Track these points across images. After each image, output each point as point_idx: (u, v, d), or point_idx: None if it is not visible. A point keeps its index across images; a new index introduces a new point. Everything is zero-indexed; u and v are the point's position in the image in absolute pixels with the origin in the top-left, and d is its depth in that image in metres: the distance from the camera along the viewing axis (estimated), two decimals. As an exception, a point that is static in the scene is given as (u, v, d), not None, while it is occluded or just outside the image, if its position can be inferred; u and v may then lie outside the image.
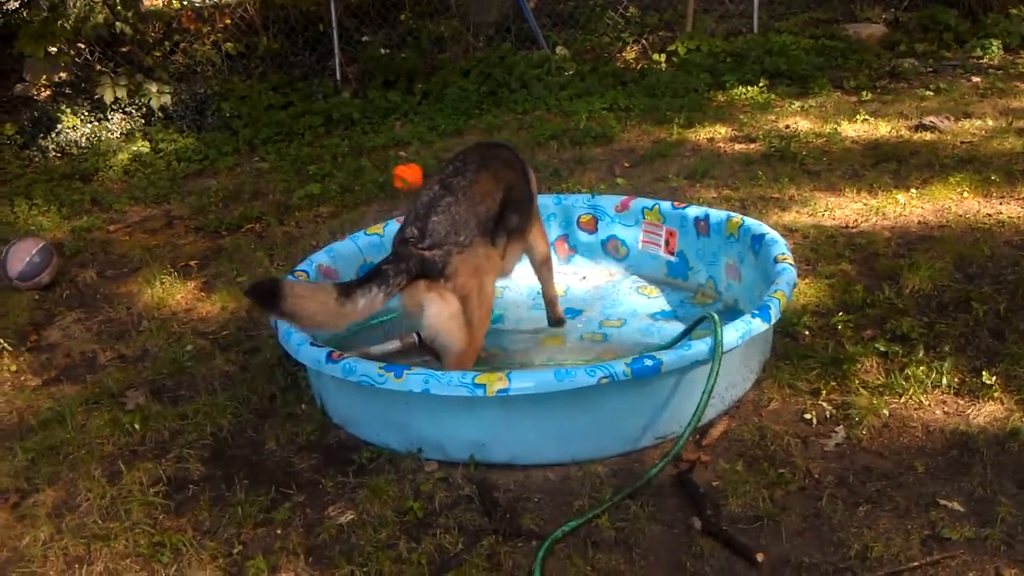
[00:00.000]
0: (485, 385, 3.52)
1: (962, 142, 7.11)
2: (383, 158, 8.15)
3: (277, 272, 5.85)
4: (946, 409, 3.88)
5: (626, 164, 7.43)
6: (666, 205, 5.28)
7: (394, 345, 4.64)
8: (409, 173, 7.22)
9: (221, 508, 3.69)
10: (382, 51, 10.99)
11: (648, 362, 3.58)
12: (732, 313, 4.53)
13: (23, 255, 6.12)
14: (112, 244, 6.94)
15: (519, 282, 5.06)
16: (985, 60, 9.67)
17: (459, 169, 4.14)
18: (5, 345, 5.32)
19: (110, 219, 7.50)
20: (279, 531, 3.53)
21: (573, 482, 3.65)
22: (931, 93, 8.58)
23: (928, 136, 7.33)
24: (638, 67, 10.42)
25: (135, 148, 9.04)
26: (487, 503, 3.54)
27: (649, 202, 5.34)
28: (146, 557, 3.44)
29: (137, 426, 4.28)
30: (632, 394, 3.70)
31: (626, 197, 5.44)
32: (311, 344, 3.95)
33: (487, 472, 3.73)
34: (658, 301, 5.07)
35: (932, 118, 7.59)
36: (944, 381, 4.00)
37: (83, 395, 4.68)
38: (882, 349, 4.27)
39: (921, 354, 4.21)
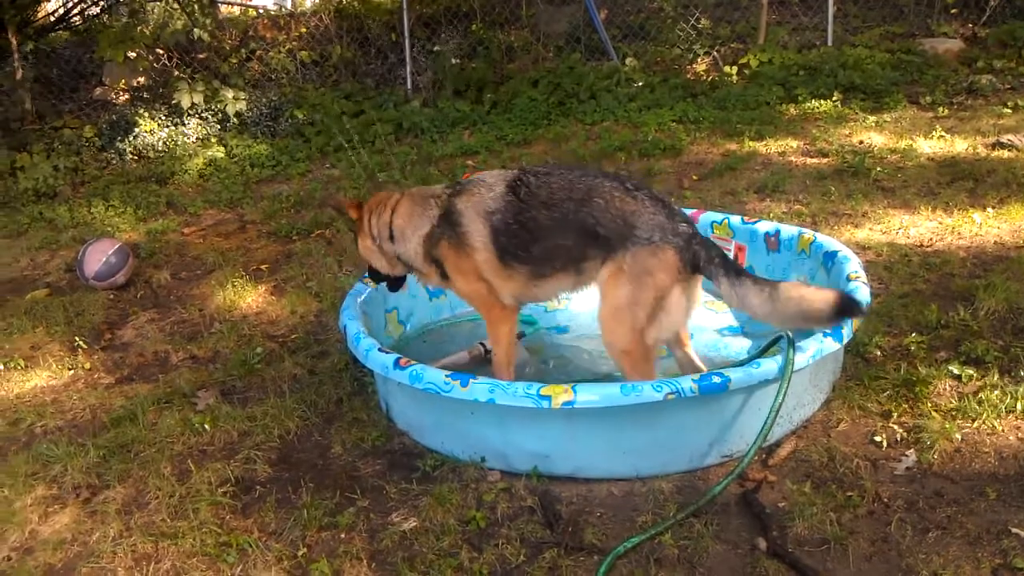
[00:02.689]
0: (551, 397, 3.52)
1: (1042, 161, 6.94)
2: (451, 167, 8.21)
3: (345, 278, 5.91)
4: (1020, 435, 3.78)
5: (695, 177, 7.39)
6: (736, 219, 5.23)
7: (462, 356, 4.68)
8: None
9: (287, 510, 3.74)
10: (453, 61, 11.07)
11: (716, 379, 3.55)
12: (803, 332, 4.47)
13: (100, 255, 6.28)
14: (186, 246, 7.08)
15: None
16: (1066, 77, 9.45)
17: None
18: (80, 343, 5.46)
19: (184, 222, 7.66)
20: (343, 535, 3.56)
21: (637, 497, 3.63)
22: (1009, 110, 8.40)
23: (1006, 154, 7.17)
24: (708, 79, 10.36)
25: (210, 153, 9.23)
26: (549, 515, 3.53)
27: (718, 216, 5.30)
28: (212, 556, 3.49)
29: (207, 426, 4.36)
30: (698, 411, 3.67)
31: (695, 211, 5.39)
32: (379, 350, 3.99)
33: (550, 484, 3.73)
34: (725, 317, 5.02)
35: (1010, 136, 7.43)
36: (1019, 406, 3.90)
37: (155, 394, 4.77)
38: (955, 372, 4.18)
39: (996, 378, 4.11)
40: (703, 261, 3.82)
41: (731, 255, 5.17)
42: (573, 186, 4.00)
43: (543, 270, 4.07)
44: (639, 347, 3.86)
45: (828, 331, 3.83)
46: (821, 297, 3.69)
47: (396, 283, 4.58)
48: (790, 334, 3.75)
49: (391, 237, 4.31)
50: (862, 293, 4.13)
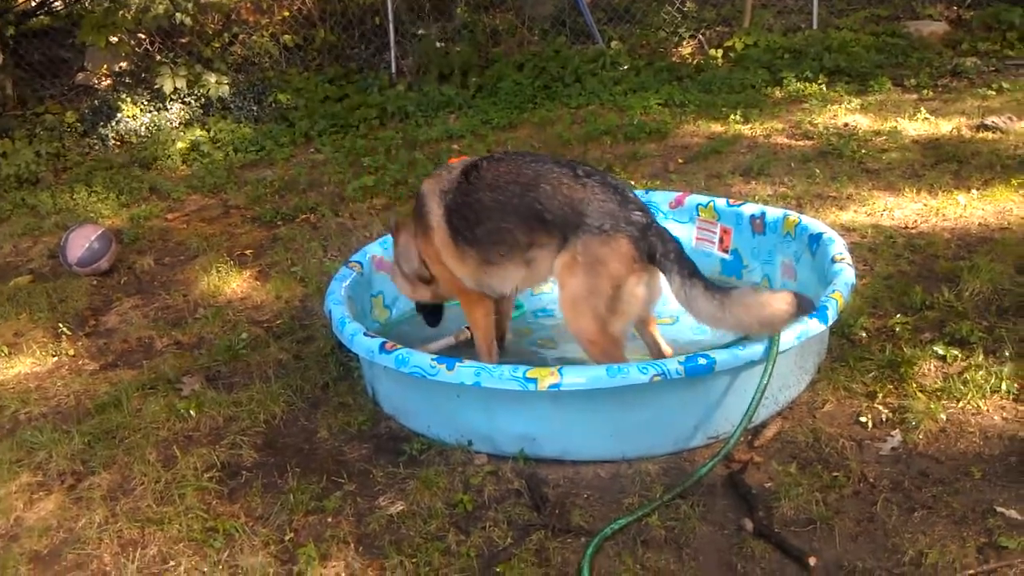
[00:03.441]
0: (537, 379, 3.52)
1: (1025, 143, 6.96)
2: (436, 151, 8.18)
3: (330, 263, 5.89)
4: (1005, 415, 3.80)
5: (680, 160, 7.38)
6: (721, 202, 5.23)
7: (448, 341, 4.68)
8: (462, 166, 7.23)
9: (273, 495, 3.73)
10: (437, 44, 11.01)
11: (702, 361, 3.56)
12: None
13: (83, 241, 6.24)
14: (170, 232, 7.04)
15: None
16: (1050, 60, 9.47)
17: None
18: (64, 330, 5.43)
19: (168, 207, 7.61)
20: (330, 519, 3.56)
21: (623, 479, 3.64)
22: (993, 92, 8.41)
23: (990, 136, 7.19)
24: (694, 62, 10.34)
25: (193, 138, 9.17)
26: (536, 498, 3.54)
27: (704, 199, 5.29)
28: (199, 542, 3.49)
29: (192, 412, 4.34)
30: (684, 392, 3.68)
31: (680, 193, 5.39)
32: (364, 334, 3.98)
33: (537, 467, 3.74)
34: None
35: (994, 118, 7.44)
36: (1003, 386, 3.92)
37: (139, 380, 4.76)
38: (940, 352, 4.20)
39: (980, 358, 4.13)
40: (658, 254, 3.78)
41: (717, 237, 5.18)
42: (521, 171, 3.99)
43: (491, 256, 4.05)
44: (603, 337, 3.86)
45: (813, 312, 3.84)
46: (779, 300, 3.67)
47: (429, 313, 4.66)
48: None
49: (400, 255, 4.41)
50: (847, 275, 4.14)
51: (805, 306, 3.69)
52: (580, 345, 4.02)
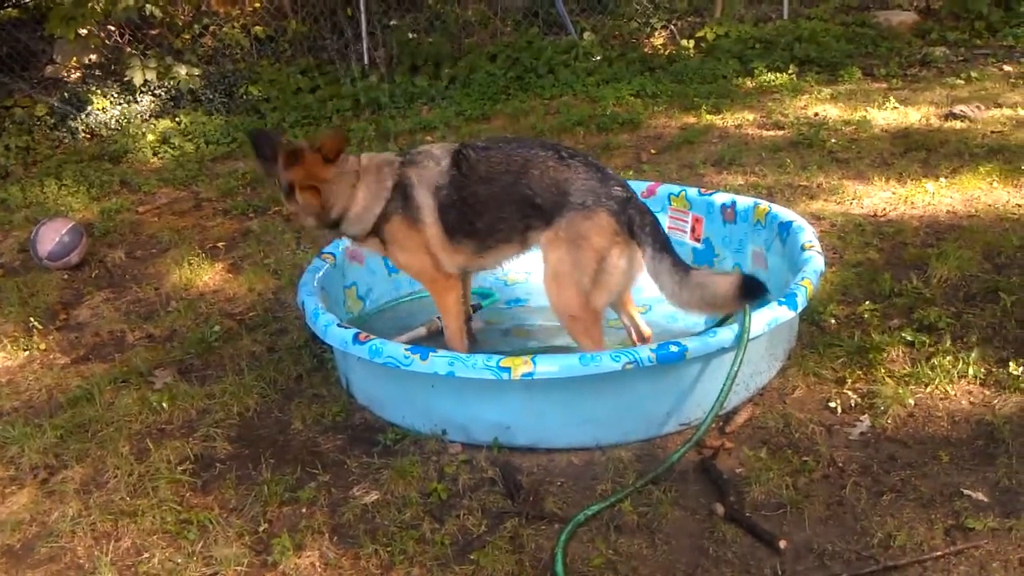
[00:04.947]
0: (510, 368, 3.53)
1: (992, 131, 7.04)
2: (410, 142, 8.16)
3: (303, 255, 5.87)
4: (972, 399, 3.85)
5: (652, 150, 7.41)
6: (692, 191, 5.26)
7: (420, 332, 4.69)
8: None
9: (247, 486, 3.73)
10: (409, 35, 11.00)
11: (673, 348, 3.58)
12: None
13: (53, 235, 6.20)
14: (141, 225, 7.00)
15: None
16: (1018, 49, 9.57)
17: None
18: (35, 324, 5.39)
19: (139, 200, 7.56)
20: (304, 510, 3.57)
21: (596, 466, 3.66)
22: (962, 82, 8.50)
23: (958, 125, 7.27)
24: (666, 53, 10.38)
25: (164, 130, 9.11)
26: (510, 486, 3.56)
27: (675, 188, 5.32)
28: (173, 534, 3.48)
29: (165, 405, 4.33)
30: (657, 380, 3.71)
31: (652, 183, 5.41)
32: (338, 325, 3.98)
33: (511, 455, 3.75)
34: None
35: (963, 107, 7.52)
36: (970, 371, 3.97)
37: (111, 374, 4.73)
38: (909, 338, 4.25)
39: (948, 344, 4.18)
40: (636, 226, 3.85)
41: (688, 226, 5.21)
42: (511, 159, 4.01)
43: (488, 242, 4.10)
44: (586, 312, 3.91)
45: (783, 299, 3.88)
46: (725, 281, 3.78)
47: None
48: (748, 305, 3.78)
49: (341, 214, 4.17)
50: (816, 262, 4.18)
51: (751, 287, 3.73)
52: (561, 322, 4.04)
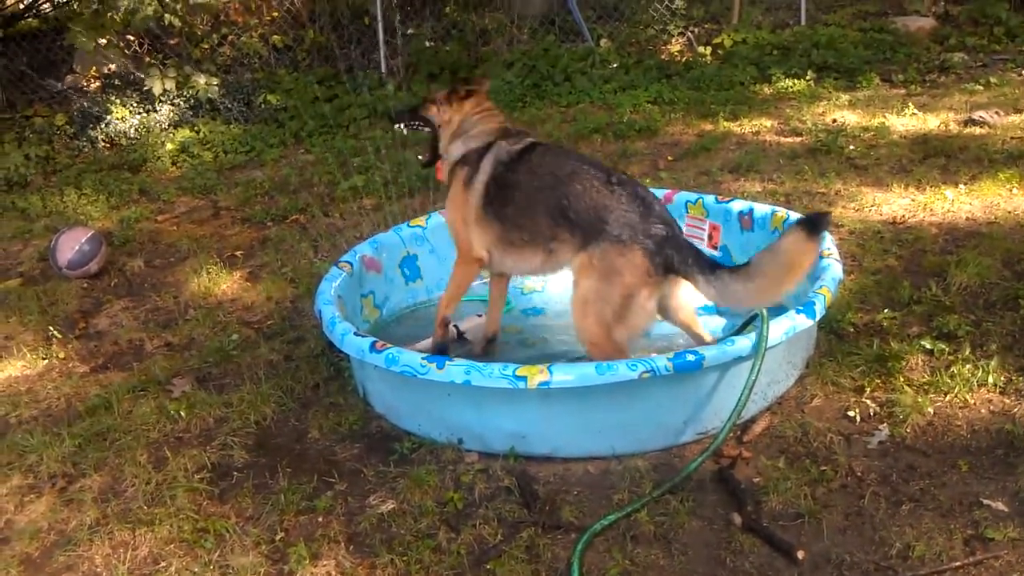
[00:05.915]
0: (526, 377, 3.53)
1: (1012, 137, 6.99)
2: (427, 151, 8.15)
3: (321, 264, 5.89)
4: (992, 408, 3.82)
5: (670, 158, 7.40)
6: (710, 199, 5.25)
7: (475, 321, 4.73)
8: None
9: (264, 495, 3.73)
10: (427, 44, 11.02)
11: (690, 357, 3.57)
12: (776, 309, 4.49)
13: (72, 244, 6.23)
14: (160, 234, 7.04)
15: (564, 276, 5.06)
16: (1037, 54, 9.51)
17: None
18: (54, 332, 5.42)
19: (158, 209, 7.60)
20: (321, 519, 3.57)
21: (613, 476, 3.65)
22: (981, 88, 8.44)
23: (977, 131, 7.22)
24: (683, 60, 10.37)
25: (183, 139, 9.16)
26: (527, 495, 3.55)
27: (693, 196, 5.31)
28: (190, 543, 3.49)
29: (183, 413, 4.34)
30: (673, 389, 3.69)
31: (669, 191, 5.41)
32: (355, 334, 3.98)
33: (527, 464, 3.75)
34: (701, 296, 5.03)
35: (982, 113, 7.47)
36: (990, 380, 3.94)
37: (130, 382, 4.75)
38: (928, 347, 4.22)
39: (967, 352, 4.15)
40: (676, 263, 3.82)
41: (706, 234, 5.20)
42: (561, 165, 4.10)
43: (512, 236, 4.18)
44: (607, 342, 3.87)
45: (801, 307, 3.86)
46: (783, 236, 3.64)
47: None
48: (764, 312, 3.75)
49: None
50: (835, 270, 4.16)
51: (812, 221, 3.62)
52: (582, 346, 4.03)
